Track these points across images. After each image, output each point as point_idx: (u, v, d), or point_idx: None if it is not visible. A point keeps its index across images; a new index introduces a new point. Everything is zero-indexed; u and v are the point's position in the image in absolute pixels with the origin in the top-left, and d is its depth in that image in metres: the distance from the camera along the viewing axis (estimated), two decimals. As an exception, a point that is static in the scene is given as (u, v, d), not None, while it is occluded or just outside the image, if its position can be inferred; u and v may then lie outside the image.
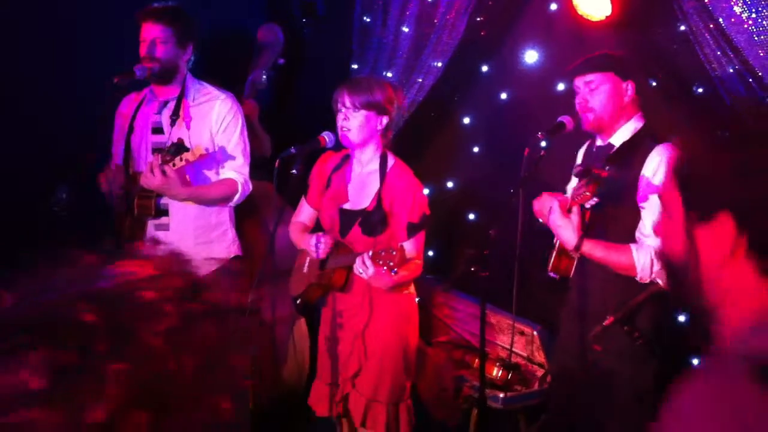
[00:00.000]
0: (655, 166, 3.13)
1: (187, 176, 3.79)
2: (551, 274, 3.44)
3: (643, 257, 3.08)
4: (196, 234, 3.97)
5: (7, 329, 0.90)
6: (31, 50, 4.50)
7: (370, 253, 3.27)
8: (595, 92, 3.30)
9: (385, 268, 3.23)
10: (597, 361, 3.31)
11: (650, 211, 3.11)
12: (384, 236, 3.55)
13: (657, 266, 3.07)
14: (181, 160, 3.61)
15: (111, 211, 4.04)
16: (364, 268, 3.30)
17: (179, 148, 3.58)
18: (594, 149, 3.51)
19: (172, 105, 3.91)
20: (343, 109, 3.54)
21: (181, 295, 1.00)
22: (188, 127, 3.87)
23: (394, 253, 3.21)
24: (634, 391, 3.25)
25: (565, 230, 3.15)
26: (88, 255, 1.06)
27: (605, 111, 3.31)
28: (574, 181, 3.56)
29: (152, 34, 3.79)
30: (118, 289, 0.97)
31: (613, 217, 3.22)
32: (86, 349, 0.88)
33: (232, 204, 3.99)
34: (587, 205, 3.12)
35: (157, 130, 3.94)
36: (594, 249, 3.16)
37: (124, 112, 4.00)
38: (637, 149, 3.24)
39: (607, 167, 3.15)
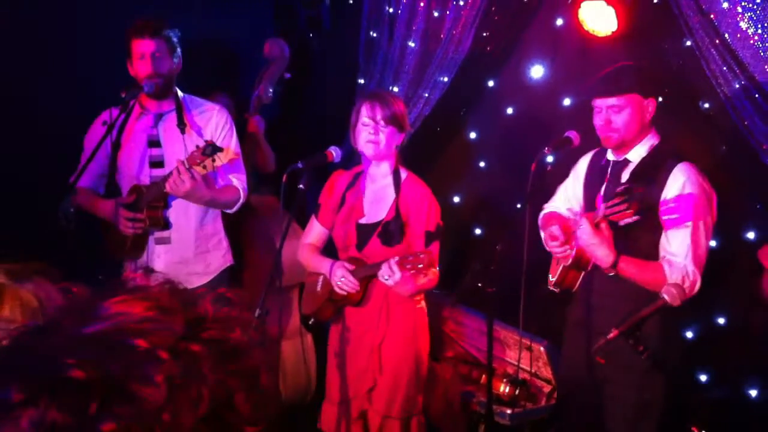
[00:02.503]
0: (681, 186, 3.14)
1: (210, 178, 3.81)
2: (552, 288, 3.43)
3: (676, 276, 3.09)
4: (196, 244, 4.00)
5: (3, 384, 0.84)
6: (37, 62, 4.52)
7: (397, 259, 3.27)
8: (618, 113, 3.27)
9: (413, 271, 3.24)
10: (602, 374, 3.30)
11: (678, 229, 3.12)
12: (401, 246, 3.55)
13: (687, 284, 3.08)
14: (213, 161, 3.59)
15: (103, 227, 4.00)
16: (390, 273, 3.29)
17: (214, 148, 3.55)
18: (602, 162, 3.49)
19: (170, 117, 3.91)
20: (373, 123, 3.53)
21: (177, 336, 0.93)
22: (201, 135, 3.90)
23: (422, 255, 3.22)
24: (640, 405, 3.23)
25: (600, 248, 3.13)
26: (77, 288, 1.01)
27: (630, 130, 3.29)
28: (568, 186, 3.54)
29: (149, 49, 3.79)
30: (109, 337, 0.90)
31: (633, 234, 3.20)
32: (77, 407, 0.83)
33: (232, 211, 4.01)
34: (622, 223, 3.09)
35: (154, 143, 3.93)
36: (629, 266, 3.15)
37: (97, 136, 3.86)
38: (658, 166, 3.23)
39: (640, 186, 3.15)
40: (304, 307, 3.89)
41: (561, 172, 3.68)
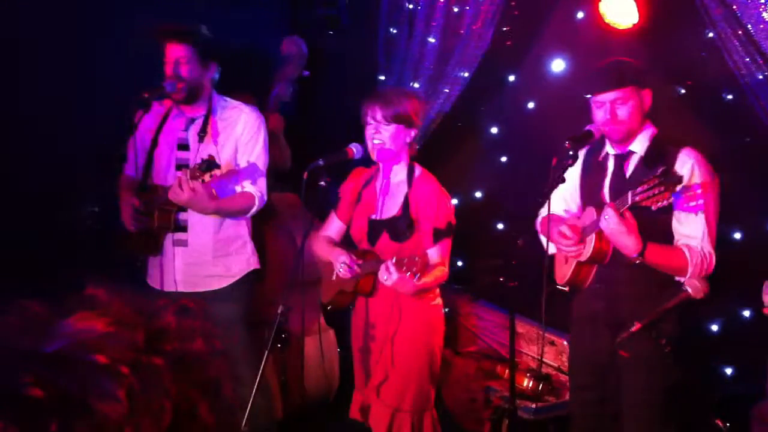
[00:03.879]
0: (690, 169, 3.17)
1: (214, 190, 3.82)
2: (562, 287, 3.41)
3: (696, 258, 3.15)
4: (215, 248, 4.00)
5: None
6: (56, 63, 4.55)
7: (394, 260, 3.28)
8: (623, 106, 3.30)
9: (408, 273, 3.24)
10: (624, 367, 3.28)
11: (693, 213, 3.16)
12: (411, 242, 3.57)
13: (706, 264, 3.15)
14: (210, 176, 3.65)
15: (121, 226, 4.05)
16: (387, 274, 3.32)
17: (210, 164, 3.60)
18: (600, 158, 3.48)
19: (199, 122, 3.94)
20: (374, 123, 3.55)
21: (137, 350, 0.92)
22: (216, 143, 3.91)
23: (417, 259, 3.23)
24: (661, 398, 3.22)
25: (628, 236, 3.12)
26: (37, 306, 0.98)
27: (634, 121, 3.32)
28: (563, 188, 3.52)
29: (175, 54, 3.83)
30: (68, 355, 0.89)
31: (650, 220, 3.20)
32: (37, 427, 0.82)
33: (249, 215, 4.02)
34: (656, 207, 3.07)
35: (183, 146, 3.97)
36: (655, 253, 3.16)
37: (149, 125, 4.01)
38: (662, 154, 3.26)
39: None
40: (322, 296, 3.93)
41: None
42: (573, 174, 3.59)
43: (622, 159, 3.40)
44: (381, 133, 3.53)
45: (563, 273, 3.53)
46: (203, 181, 3.64)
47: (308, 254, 3.87)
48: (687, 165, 3.19)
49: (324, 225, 3.93)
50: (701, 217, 3.17)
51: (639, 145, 3.36)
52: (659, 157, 3.25)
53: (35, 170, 4.37)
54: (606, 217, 3.12)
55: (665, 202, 3.01)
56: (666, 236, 3.25)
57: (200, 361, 0.98)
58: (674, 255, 3.19)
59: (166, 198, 3.77)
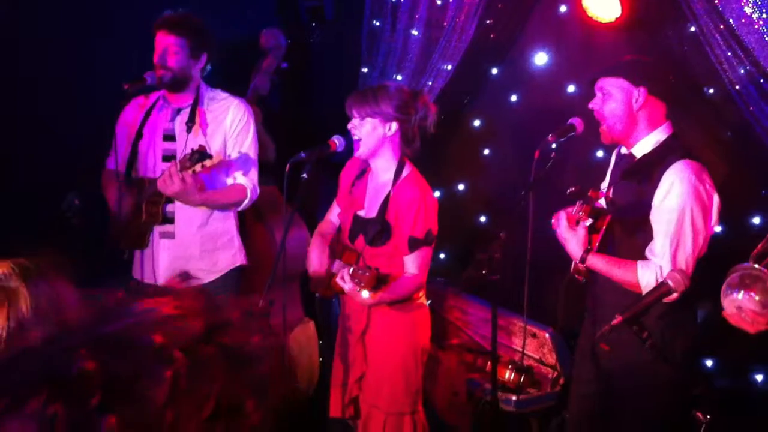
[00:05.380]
0: (668, 187, 3.05)
1: (203, 182, 3.80)
2: (576, 276, 3.40)
3: (648, 276, 3.05)
4: (202, 242, 3.98)
5: (11, 381, 0.87)
6: (42, 54, 4.52)
7: (350, 270, 3.25)
8: (606, 99, 3.23)
9: (357, 288, 3.22)
10: (608, 363, 3.30)
11: (659, 229, 3.07)
12: (388, 248, 3.52)
13: (667, 287, 2.96)
14: (201, 167, 3.61)
15: (109, 218, 4.02)
16: (342, 282, 3.30)
17: (201, 155, 3.56)
18: (620, 156, 3.43)
19: (186, 112, 3.91)
20: (353, 118, 3.53)
21: (195, 337, 0.95)
22: (204, 134, 3.89)
23: (366, 273, 3.19)
24: (645, 391, 3.23)
25: (570, 242, 3.16)
26: (110, 293, 1.02)
27: (614, 118, 3.22)
28: (606, 182, 3.53)
29: (165, 43, 3.82)
30: (126, 333, 0.92)
31: (626, 233, 3.20)
32: (78, 400, 0.84)
33: (240, 208, 4.00)
34: (584, 225, 3.13)
35: (169, 137, 3.94)
36: (598, 263, 3.15)
37: (129, 119, 3.98)
38: (657, 164, 3.13)
39: (605, 189, 3.22)
40: (311, 284, 3.91)
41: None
42: (610, 166, 3.56)
43: (625, 161, 3.33)
44: (358, 129, 3.52)
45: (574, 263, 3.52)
46: (194, 171, 3.60)
47: (290, 248, 3.85)
48: (665, 183, 3.06)
49: (329, 210, 3.92)
50: (669, 238, 3.04)
51: (639, 150, 3.25)
52: (650, 166, 3.16)
53: (19, 166, 4.36)
54: (559, 221, 3.18)
55: (586, 223, 3.11)
56: (639, 251, 3.15)
57: (252, 357, 0.99)
58: (623, 269, 3.11)
59: (154, 189, 3.75)
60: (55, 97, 4.46)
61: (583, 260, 3.14)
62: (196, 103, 3.91)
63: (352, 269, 3.24)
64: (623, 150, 3.38)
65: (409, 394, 3.60)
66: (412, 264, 3.49)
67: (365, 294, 3.25)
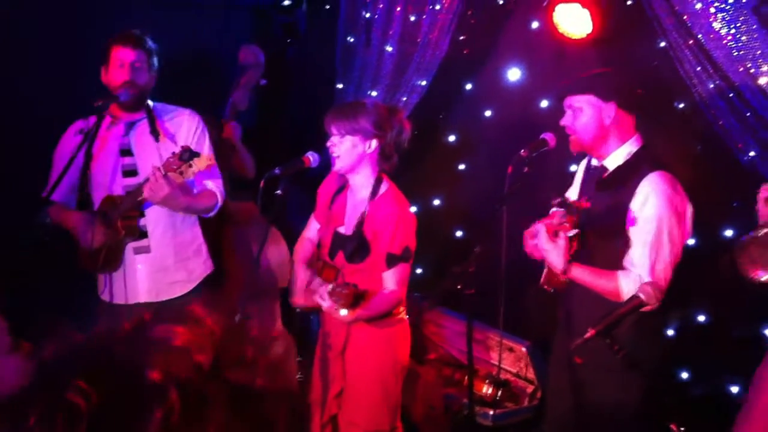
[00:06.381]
0: (644, 198, 3.11)
1: (188, 184, 3.77)
2: (545, 287, 3.43)
3: (628, 285, 3.09)
4: (176, 251, 3.95)
5: (17, 408, 0.85)
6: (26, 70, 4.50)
7: (330, 287, 3.24)
8: (577, 114, 3.27)
9: (335, 306, 3.22)
10: (581, 375, 3.31)
11: (637, 240, 3.11)
12: (366, 264, 3.51)
13: (646, 296, 3.01)
14: (190, 167, 3.56)
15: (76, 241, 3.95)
16: (321, 300, 3.30)
17: (191, 154, 3.50)
18: (590, 168, 3.48)
19: (141, 125, 3.88)
20: (331, 136, 3.54)
21: (199, 373, 0.89)
22: (175, 141, 3.87)
23: (345, 292, 3.19)
24: (618, 403, 3.25)
25: (551, 254, 3.15)
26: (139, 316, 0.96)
27: (586, 133, 3.27)
28: (573, 191, 3.56)
29: (129, 58, 3.79)
30: (126, 364, 0.88)
31: (600, 244, 3.22)
32: (67, 427, 0.82)
33: (210, 215, 3.99)
34: (568, 234, 3.14)
35: (126, 152, 3.91)
36: (581, 274, 3.17)
37: (72, 145, 3.81)
38: (630, 175, 3.19)
39: (587, 199, 3.19)
40: (292, 297, 3.90)
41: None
42: (577, 179, 3.60)
43: (598, 172, 3.37)
44: (337, 146, 3.52)
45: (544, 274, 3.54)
46: (181, 173, 3.54)
47: (267, 263, 3.85)
48: (640, 195, 3.12)
49: (306, 226, 3.91)
50: (647, 248, 3.10)
51: (612, 161, 3.29)
52: (623, 178, 3.21)
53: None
54: (538, 234, 3.16)
55: (570, 233, 3.11)
56: (614, 261, 3.20)
57: (259, 397, 0.95)
58: (605, 278, 3.16)
59: (130, 204, 3.72)
60: (38, 105, 4.43)
61: (565, 272, 3.15)
62: (151, 114, 3.90)
63: (330, 287, 3.23)
64: (593, 162, 3.42)
65: (389, 411, 3.58)
66: (390, 280, 3.48)
67: (343, 312, 3.24)
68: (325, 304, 3.27)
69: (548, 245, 3.14)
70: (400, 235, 3.46)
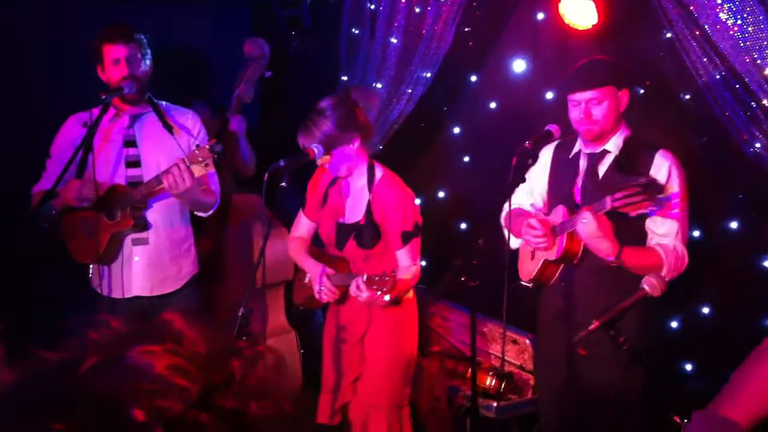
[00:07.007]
0: (666, 172, 3.24)
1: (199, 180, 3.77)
2: (526, 283, 3.45)
3: (670, 256, 3.21)
4: (171, 246, 3.98)
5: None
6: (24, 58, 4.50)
7: (365, 278, 3.29)
8: (598, 106, 3.31)
9: (378, 293, 3.26)
10: (583, 366, 3.31)
11: (669, 217, 3.22)
12: (378, 247, 3.59)
13: (680, 263, 3.24)
14: (215, 159, 3.60)
15: (67, 232, 3.93)
16: (358, 292, 3.34)
17: (216, 147, 3.53)
18: (571, 156, 3.50)
19: (147, 118, 3.91)
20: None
21: (188, 403, 0.79)
22: (189, 134, 3.90)
23: (387, 278, 3.25)
24: (621, 396, 3.25)
25: (604, 240, 3.13)
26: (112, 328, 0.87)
27: (608, 122, 3.35)
28: (529, 183, 3.56)
29: (123, 53, 3.78)
30: (108, 397, 0.78)
31: (624, 222, 3.22)
32: None
33: (206, 214, 4.01)
34: (634, 214, 3.10)
35: (130, 143, 3.91)
36: (632, 255, 3.21)
37: (74, 134, 3.87)
38: (637, 156, 3.31)
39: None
40: (294, 296, 3.93)
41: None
42: (540, 170, 3.62)
43: (595, 158, 3.42)
44: (324, 161, 3.53)
45: (529, 270, 3.55)
46: (207, 165, 3.54)
47: (270, 256, 3.84)
48: (663, 169, 3.24)
49: (294, 225, 3.93)
50: (673, 219, 3.24)
51: (613, 145, 3.39)
52: (634, 158, 3.29)
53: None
54: (584, 220, 3.13)
55: (644, 211, 3.06)
56: (640, 237, 3.30)
57: (254, 425, 0.85)
58: (649, 255, 3.24)
59: (141, 195, 3.74)
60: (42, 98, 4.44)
61: (619, 256, 3.16)
62: (157, 109, 3.91)
63: (366, 277, 3.30)
64: (585, 149, 3.45)
65: (407, 384, 3.71)
66: (406, 256, 3.58)
67: (386, 297, 3.31)
68: (364, 294, 3.31)
69: (599, 231, 3.12)
70: (409, 213, 3.58)
